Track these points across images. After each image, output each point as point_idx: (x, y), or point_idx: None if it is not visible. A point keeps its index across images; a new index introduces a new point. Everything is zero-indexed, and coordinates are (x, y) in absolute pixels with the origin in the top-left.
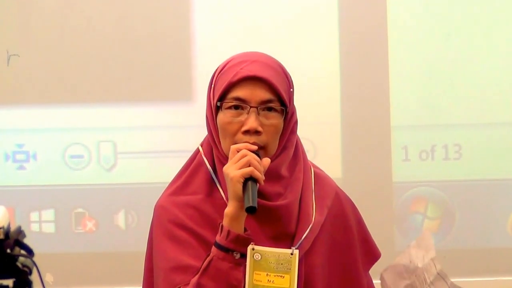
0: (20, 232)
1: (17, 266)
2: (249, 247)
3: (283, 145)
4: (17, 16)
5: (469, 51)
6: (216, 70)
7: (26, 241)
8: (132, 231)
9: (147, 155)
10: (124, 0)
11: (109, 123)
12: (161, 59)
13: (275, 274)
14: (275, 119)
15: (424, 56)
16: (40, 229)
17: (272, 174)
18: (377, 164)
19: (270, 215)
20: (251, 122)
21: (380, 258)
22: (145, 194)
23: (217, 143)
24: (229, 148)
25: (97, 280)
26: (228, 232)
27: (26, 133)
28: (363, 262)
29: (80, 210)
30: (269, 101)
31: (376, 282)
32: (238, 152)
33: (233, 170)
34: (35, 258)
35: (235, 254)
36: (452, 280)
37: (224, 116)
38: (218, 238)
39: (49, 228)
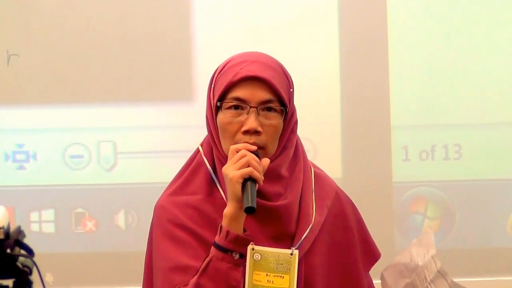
0: (20, 232)
1: (17, 266)
2: (249, 247)
3: (283, 145)
4: (17, 16)
5: (469, 51)
6: (216, 70)
7: (26, 241)
8: (132, 231)
9: (147, 155)
10: (124, 0)
11: (109, 123)
12: (161, 59)
13: (275, 274)
14: (275, 119)
15: (424, 56)
16: (40, 229)
17: (272, 174)
18: (377, 164)
19: (270, 215)
20: (251, 122)
21: (380, 258)
22: (145, 194)
23: (217, 143)
24: (229, 148)
25: (97, 280)
26: (227, 232)
27: (26, 133)
28: (363, 262)
29: (80, 210)
30: (269, 101)
31: (376, 282)
32: (237, 152)
33: (232, 171)
34: (35, 258)
35: (234, 255)
36: (456, 282)
37: (224, 116)
38: (217, 239)
39: (49, 228)
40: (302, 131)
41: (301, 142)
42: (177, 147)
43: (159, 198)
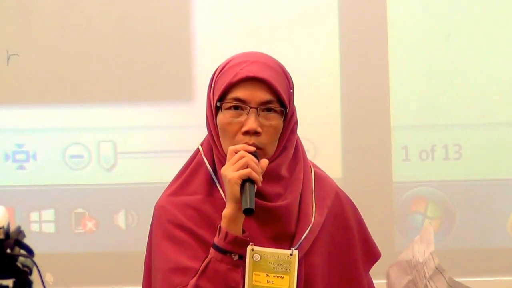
0: (20, 232)
1: (17, 266)
2: (249, 248)
3: (283, 145)
4: (17, 16)
5: (469, 51)
6: (216, 70)
7: (26, 241)
8: (132, 231)
9: (147, 155)
10: (124, 0)
11: (109, 123)
12: (161, 59)
13: (275, 275)
14: (275, 120)
15: (424, 56)
16: (40, 229)
17: (272, 175)
18: (377, 164)
19: (270, 216)
20: (251, 123)
21: (380, 258)
22: (145, 194)
23: (217, 143)
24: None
25: (97, 280)
26: (226, 234)
27: (26, 133)
28: (363, 262)
29: (80, 210)
30: (268, 102)
31: (376, 282)
32: (236, 153)
33: (230, 172)
34: (35, 258)
35: (233, 256)
36: (454, 279)
37: (224, 117)
38: (216, 240)
39: (49, 228)
40: (302, 131)
41: (301, 142)
42: (177, 147)
43: (159, 198)
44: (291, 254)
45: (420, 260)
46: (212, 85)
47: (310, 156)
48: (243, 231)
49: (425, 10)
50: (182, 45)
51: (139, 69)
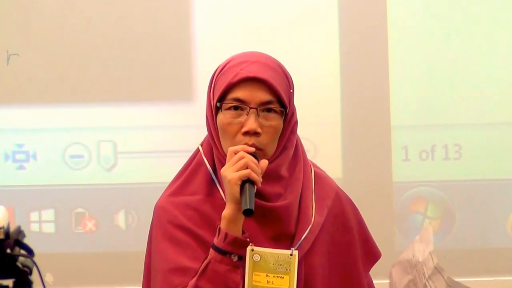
0: (20, 232)
1: (17, 266)
2: (248, 248)
3: (283, 145)
4: (17, 16)
5: (469, 51)
6: (216, 70)
7: (26, 241)
8: (132, 231)
9: (147, 155)
10: (124, 0)
11: (109, 123)
12: (161, 59)
13: (275, 275)
14: (275, 121)
15: (424, 56)
16: (40, 229)
17: (272, 175)
18: (377, 164)
19: (269, 216)
20: (251, 123)
21: (380, 258)
22: (145, 194)
23: (217, 143)
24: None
25: (97, 280)
26: (226, 234)
27: (26, 133)
28: (363, 262)
29: (80, 210)
30: (268, 102)
31: (376, 282)
32: (235, 154)
33: (230, 173)
34: (35, 258)
35: (232, 257)
36: (453, 279)
37: (223, 117)
38: (216, 241)
39: (49, 228)
40: (302, 131)
41: (301, 142)
42: (177, 147)
43: (159, 199)
44: (291, 254)
45: (420, 260)
46: (212, 85)
47: (310, 156)
48: (243, 232)
49: (425, 10)
50: (182, 45)
51: (139, 69)
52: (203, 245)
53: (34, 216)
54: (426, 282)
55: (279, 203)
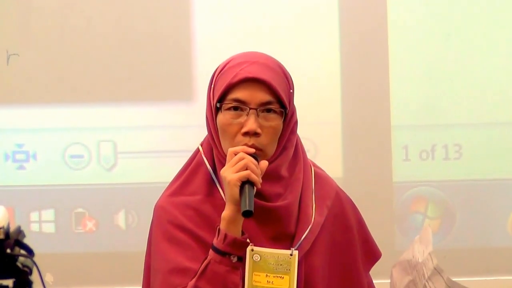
0: (20, 232)
1: (17, 266)
2: (248, 248)
3: (283, 145)
4: (17, 16)
5: (469, 51)
6: (216, 70)
7: (26, 241)
8: (132, 231)
9: (147, 155)
10: (124, 0)
11: (109, 123)
12: (161, 59)
13: (275, 275)
14: (275, 121)
15: (424, 56)
16: (40, 229)
17: (272, 175)
18: (378, 164)
19: (269, 216)
20: (250, 124)
21: (381, 258)
22: (145, 194)
23: (217, 143)
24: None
25: (97, 280)
26: (225, 235)
27: (26, 133)
28: (363, 262)
29: (80, 210)
30: (268, 102)
31: (377, 282)
32: (235, 155)
33: (230, 174)
34: (35, 258)
35: (232, 258)
36: (452, 280)
37: (223, 117)
38: (215, 242)
39: (49, 228)
40: (303, 131)
41: (301, 142)
42: (177, 147)
43: (159, 199)
44: (291, 254)
45: (420, 260)
46: (212, 86)
47: (310, 156)
48: (242, 233)
49: (425, 10)
50: (182, 45)
51: (139, 69)
52: (203, 246)
53: (34, 216)
54: (426, 283)
55: (279, 203)
